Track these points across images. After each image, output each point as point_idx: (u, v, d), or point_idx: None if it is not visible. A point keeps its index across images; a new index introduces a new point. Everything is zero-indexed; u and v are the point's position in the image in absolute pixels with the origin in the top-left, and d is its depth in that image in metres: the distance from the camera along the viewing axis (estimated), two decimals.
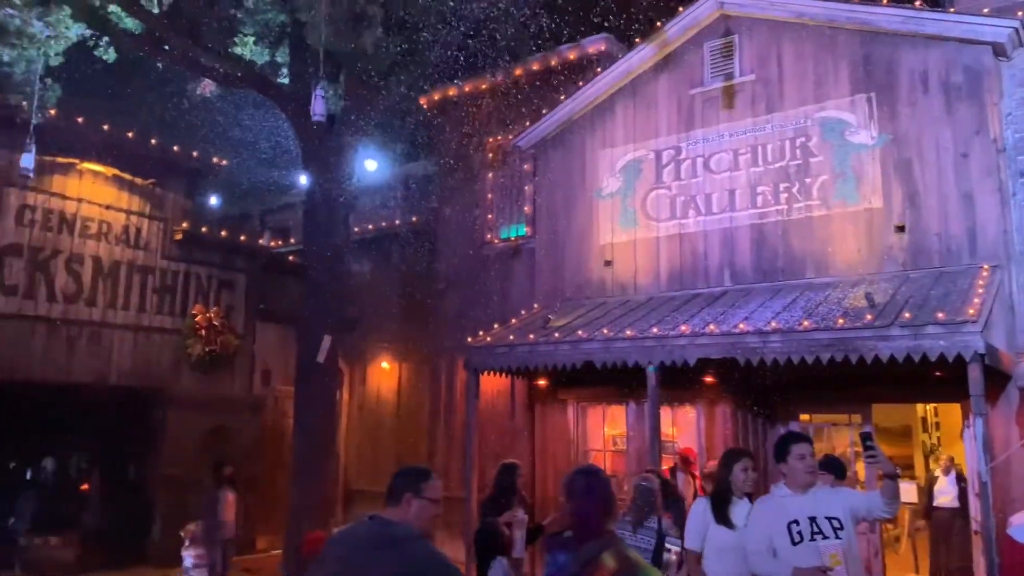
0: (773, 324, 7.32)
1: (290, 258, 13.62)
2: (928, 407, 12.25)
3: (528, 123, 11.22)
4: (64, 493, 12.06)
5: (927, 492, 10.05)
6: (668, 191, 9.89)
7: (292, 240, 15.84)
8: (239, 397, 12.32)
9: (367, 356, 13.30)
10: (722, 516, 4.44)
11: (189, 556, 9.49)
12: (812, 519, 3.80)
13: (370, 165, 14.72)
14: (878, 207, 8.43)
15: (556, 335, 8.60)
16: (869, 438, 3.89)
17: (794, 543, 3.78)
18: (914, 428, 12.70)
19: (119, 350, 10.99)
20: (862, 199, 8.54)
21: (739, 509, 4.40)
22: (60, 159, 10.53)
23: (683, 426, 9.52)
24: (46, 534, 10.83)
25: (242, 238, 12.85)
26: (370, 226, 13.41)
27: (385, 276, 13.27)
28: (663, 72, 10.21)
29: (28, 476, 12.06)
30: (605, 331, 8.29)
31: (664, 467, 8.34)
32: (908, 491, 9.93)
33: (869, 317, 6.84)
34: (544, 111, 10.99)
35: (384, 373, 13.20)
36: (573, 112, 10.78)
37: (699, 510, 4.62)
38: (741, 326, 7.46)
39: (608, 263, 10.15)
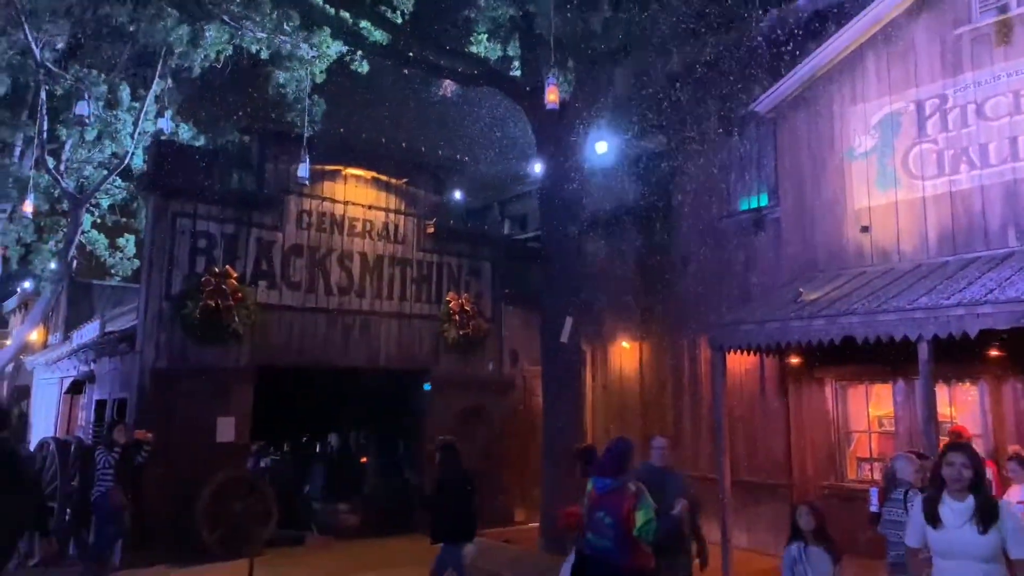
0: None
1: (529, 244, 14.11)
2: None
3: (765, 86, 10.64)
4: (346, 466, 13.53)
5: None
6: (934, 145, 8.91)
7: (529, 227, 16.40)
8: (490, 377, 13.02)
9: (607, 336, 13.43)
10: (931, 516, 3.85)
11: None
12: None
13: (601, 147, 14.81)
14: None
15: (809, 309, 8.10)
16: None
17: None
18: None
19: (386, 336, 12.08)
20: None
21: (951, 509, 3.80)
22: (328, 167, 11.74)
23: (963, 405, 8.57)
24: (335, 501, 12.23)
25: (485, 228, 13.52)
26: (605, 207, 13.48)
27: (621, 255, 13.29)
28: (920, 14, 9.20)
29: (317, 450, 13.67)
30: (866, 303, 7.67)
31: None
32: None
33: None
34: (783, 72, 10.35)
35: (625, 353, 13.25)
36: (816, 69, 10.05)
37: (916, 507, 4.08)
38: None
39: (865, 229, 9.36)
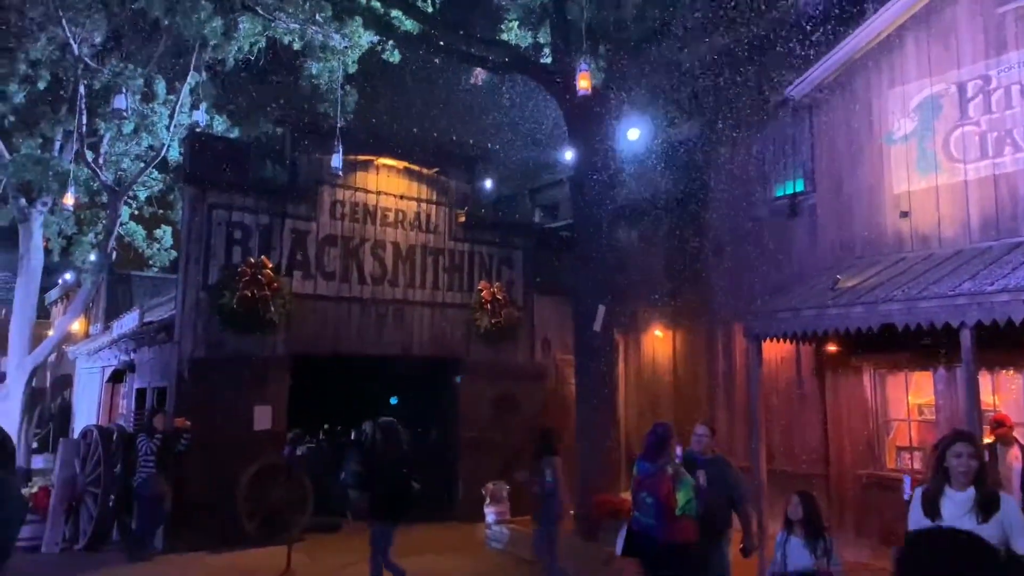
0: None
1: (560, 233, 14.07)
2: None
3: (800, 71, 10.45)
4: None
5: None
6: (976, 127, 8.70)
7: (561, 215, 16.35)
8: (523, 366, 13.04)
9: (640, 325, 13.36)
10: (930, 509, 3.79)
11: (491, 512, 10.30)
12: None
13: (633, 134, 14.70)
14: None
15: (847, 296, 7.98)
16: None
17: None
18: None
19: (419, 325, 12.16)
20: None
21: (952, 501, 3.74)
22: (360, 157, 11.80)
23: (1007, 394, 8.39)
24: None
25: (516, 217, 13.51)
26: (637, 194, 13.38)
27: (654, 243, 13.20)
28: None
29: (352, 437, 13.80)
30: (906, 289, 7.54)
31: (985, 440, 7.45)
32: None
33: None
34: (818, 56, 10.16)
35: (658, 341, 13.17)
36: (853, 52, 9.85)
37: (915, 501, 4.03)
38: None
39: (904, 214, 9.18)
